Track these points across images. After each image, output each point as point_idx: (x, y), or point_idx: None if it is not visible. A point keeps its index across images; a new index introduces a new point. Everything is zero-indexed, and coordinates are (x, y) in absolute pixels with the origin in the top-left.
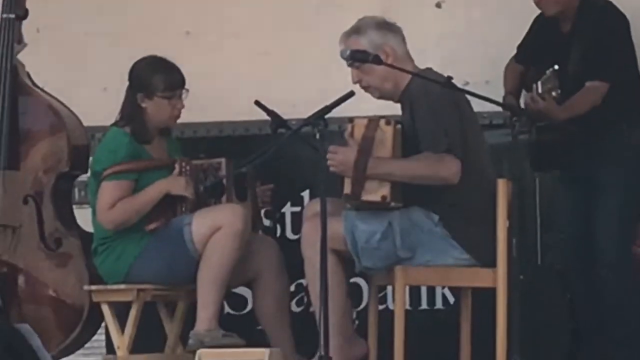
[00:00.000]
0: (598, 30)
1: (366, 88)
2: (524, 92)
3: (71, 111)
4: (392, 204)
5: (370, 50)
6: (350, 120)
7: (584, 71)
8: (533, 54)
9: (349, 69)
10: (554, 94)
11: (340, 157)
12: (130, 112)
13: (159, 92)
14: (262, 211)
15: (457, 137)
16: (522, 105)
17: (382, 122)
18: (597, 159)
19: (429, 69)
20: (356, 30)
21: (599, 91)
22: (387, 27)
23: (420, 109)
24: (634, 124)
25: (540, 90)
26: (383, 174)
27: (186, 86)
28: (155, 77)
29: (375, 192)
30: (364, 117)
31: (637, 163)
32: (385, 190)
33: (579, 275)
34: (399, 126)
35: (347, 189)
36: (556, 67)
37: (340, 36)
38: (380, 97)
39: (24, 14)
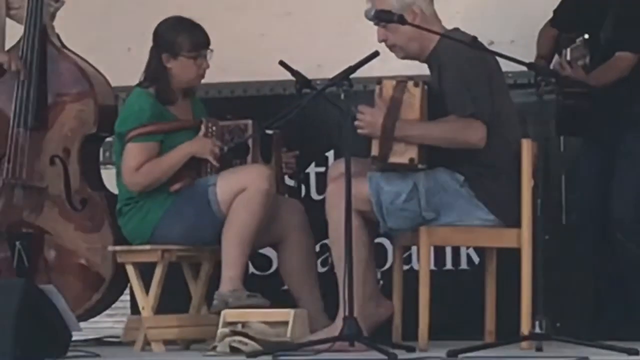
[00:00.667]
0: (634, 1)
1: (391, 47)
2: (555, 57)
3: (99, 72)
4: (420, 166)
5: (397, 9)
6: (379, 81)
7: (615, 40)
8: (569, 19)
9: (374, 28)
10: (581, 62)
11: (369, 119)
12: (155, 73)
13: (184, 51)
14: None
15: (484, 101)
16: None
17: (411, 83)
18: (621, 126)
19: (456, 29)
20: None
21: (628, 62)
22: None
23: (448, 72)
24: None
25: (569, 58)
26: (411, 136)
27: (210, 46)
28: (180, 37)
29: (402, 154)
30: (392, 78)
31: None
32: (412, 152)
33: (599, 236)
34: (426, 87)
35: (375, 150)
36: (586, 36)
37: None
38: (405, 57)
39: None
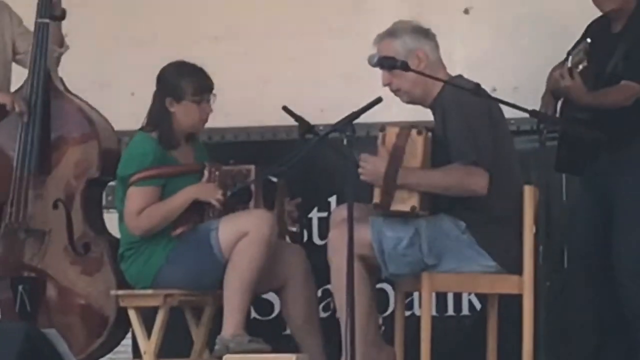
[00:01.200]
0: None
1: (396, 91)
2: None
3: (102, 116)
4: (421, 213)
5: (402, 54)
6: (382, 128)
7: (622, 69)
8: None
9: (377, 74)
10: (580, 66)
11: (370, 167)
12: (158, 117)
13: (188, 95)
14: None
15: (487, 149)
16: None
17: (414, 131)
18: (621, 167)
19: (460, 76)
20: (391, 33)
21: (631, 91)
22: (421, 32)
23: (452, 119)
24: None
25: (569, 64)
26: (413, 184)
27: (214, 91)
28: (185, 81)
29: (404, 202)
30: (395, 125)
31: None
32: (414, 200)
33: (600, 280)
34: (430, 134)
35: (377, 198)
36: (589, 40)
37: (375, 38)
38: (409, 102)
39: (62, 15)
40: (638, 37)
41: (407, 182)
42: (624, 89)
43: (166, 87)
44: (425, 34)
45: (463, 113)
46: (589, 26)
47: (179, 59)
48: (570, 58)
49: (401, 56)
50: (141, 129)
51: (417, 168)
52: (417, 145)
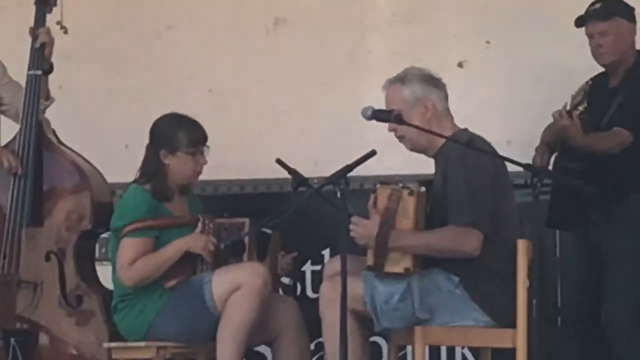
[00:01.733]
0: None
1: (400, 138)
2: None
3: (95, 168)
4: (414, 274)
5: (410, 102)
6: (373, 190)
7: (618, 122)
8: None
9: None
10: (580, 108)
11: (362, 231)
12: (152, 169)
13: (183, 147)
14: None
15: (485, 209)
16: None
17: (405, 192)
18: (609, 227)
19: (465, 130)
20: (401, 78)
21: (622, 138)
22: (431, 81)
23: (453, 175)
24: None
25: (568, 107)
26: (405, 247)
27: (208, 143)
28: (179, 133)
29: (398, 264)
30: (387, 184)
31: None
32: (407, 262)
33: (591, 336)
34: (422, 191)
35: (370, 260)
36: (590, 82)
37: (384, 83)
38: (413, 150)
39: (50, 69)
40: (633, 89)
41: (399, 245)
42: (616, 135)
43: (160, 139)
44: (435, 83)
45: (464, 170)
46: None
47: (172, 111)
48: (570, 99)
49: (408, 104)
50: (134, 181)
51: (410, 230)
52: (408, 206)
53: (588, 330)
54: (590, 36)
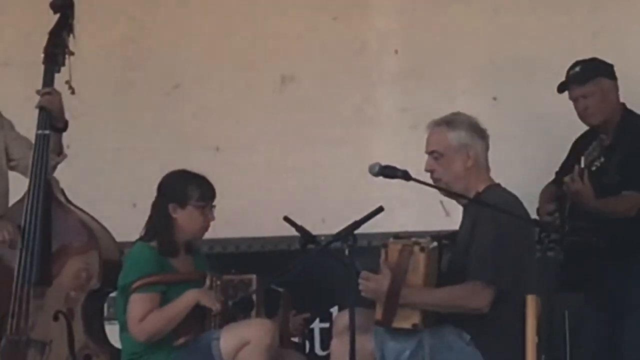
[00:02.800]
0: (638, 144)
1: (436, 180)
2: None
3: (104, 227)
4: (423, 329)
5: (454, 148)
6: (384, 244)
7: (620, 181)
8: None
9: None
10: (597, 163)
11: (373, 286)
12: (159, 224)
13: (193, 201)
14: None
15: (506, 271)
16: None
17: (416, 248)
18: (624, 278)
19: (498, 185)
20: (448, 122)
21: (635, 200)
22: (479, 130)
23: (482, 232)
24: None
25: (583, 165)
26: (415, 303)
27: (215, 201)
28: (190, 187)
29: (406, 319)
30: (398, 240)
31: None
32: (416, 317)
33: None
34: (433, 247)
35: (378, 315)
36: (603, 136)
37: (429, 123)
38: (447, 195)
39: (64, 127)
40: (630, 151)
41: (409, 301)
42: (627, 199)
43: (170, 192)
44: (481, 133)
45: (495, 231)
46: (574, 146)
47: (180, 168)
48: (583, 159)
49: (452, 148)
50: (140, 238)
51: (420, 286)
52: (419, 262)
53: None
54: (574, 100)
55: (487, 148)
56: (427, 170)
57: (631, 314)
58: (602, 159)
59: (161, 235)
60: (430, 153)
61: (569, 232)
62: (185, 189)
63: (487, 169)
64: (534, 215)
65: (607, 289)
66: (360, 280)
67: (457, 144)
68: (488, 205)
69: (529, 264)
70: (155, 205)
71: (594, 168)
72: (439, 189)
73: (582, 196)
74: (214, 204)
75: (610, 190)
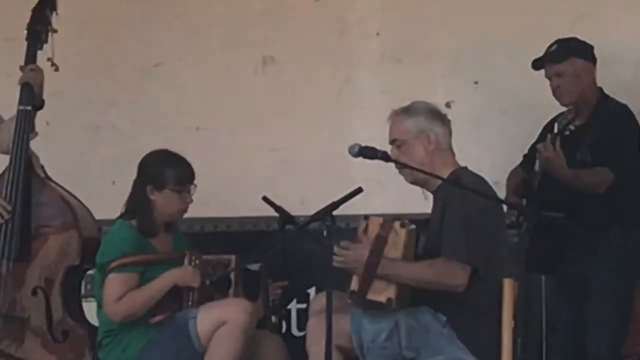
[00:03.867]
0: (613, 127)
1: (401, 170)
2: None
3: (83, 205)
4: (396, 307)
5: (414, 133)
6: (366, 217)
7: (592, 160)
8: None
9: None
10: (572, 127)
11: (352, 254)
12: (138, 204)
13: (170, 184)
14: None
15: (479, 249)
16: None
17: (397, 224)
18: (590, 261)
19: (465, 168)
20: (407, 110)
21: (605, 177)
22: (437, 115)
23: (452, 213)
24: (630, 227)
25: (556, 130)
26: (393, 275)
27: (195, 181)
28: (167, 170)
29: (381, 293)
30: (379, 216)
31: (630, 267)
32: (391, 292)
33: None
34: (412, 227)
35: (354, 285)
36: (571, 107)
37: (390, 112)
38: (412, 182)
39: (41, 105)
40: (603, 132)
41: (387, 273)
42: (598, 173)
43: (148, 175)
44: (441, 118)
45: (464, 210)
46: (544, 128)
47: (161, 148)
48: (556, 124)
49: (411, 135)
50: (120, 216)
51: (398, 260)
52: (399, 237)
53: None
54: (548, 78)
55: (449, 133)
56: (392, 161)
57: (595, 298)
58: (577, 122)
59: (140, 216)
60: (392, 142)
61: (537, 210)
62: (162, 172)
63: (452, 153)
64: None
65: (573, 273)
66: (337, 250)
67: (417, 130)
68: (458, 185)
69: (500, 244)
70: (134, 185)
71: (567, 132)
72: (418, 170)
73: (554, 164)
74: (194, 183)
75: (580, 153)
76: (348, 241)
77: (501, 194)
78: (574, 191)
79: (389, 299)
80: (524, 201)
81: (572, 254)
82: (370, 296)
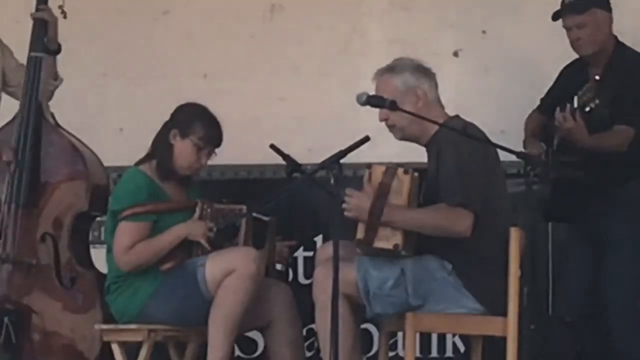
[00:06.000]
0: (630, 78)
1: (391, 127)
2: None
3: (92, 152)
4: (403, 252)
5: (401, 91)
6: (369, 165)
7: (610, 115)
8: (558, 103)
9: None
10: (592, 105)
11: (356, 202)
12: (159, 145)
13: (193, 137)
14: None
15: (476, 192)
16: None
17: (400, 170)
18: (609, 213)
19: (457, 117)
20: (391, 69)
21: (626, 135)
22: (422, 70)
23: (446, 159)
24: None
25: (575, 105)
26: (397, 222)
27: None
28: (197, 123)
29: (387, 240)
30: (382, 164)
31: None
32: (397, 238)
33: (588, 327)
34: (416, 174)
35: (360, 234)
36: (597, 77)
37: (375, 73)
38: (403, 139)
39: (57, 49)
40: (621, 84)
41: (391, 220)
42: (619, 134)
43: (178, 119)
44: (426, 72)
45: (457, 154)
46: (561, 73)
47: (197, 103)
48: (575, 99)
49: (399, 93)
50: (137, 162)
51: (403, 206)
52: (403, 184)
53: (584, 321)
54: (568, 29)
55: (435, 85)
56: (381, 120)
57: (614, 250)
58: (597, 101)
59: (159, 157)
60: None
61: (555, 165)
62: (192, 122)
63: (440, 105)
64: (520, 149)
65: (591, 224)
66: (345, 198)
67: (404, 87)
68: (449, 127)
69: (497, 187)
70: (163, 126)
71: (587, 109)
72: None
73: (575, 135)
74: (215, 151)
75: (601, 124)
76: (352, 189)
77: (508, 143)
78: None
79: (395, 245)
80: (544, 146)
81: (592, 205)
82: (377, 244)
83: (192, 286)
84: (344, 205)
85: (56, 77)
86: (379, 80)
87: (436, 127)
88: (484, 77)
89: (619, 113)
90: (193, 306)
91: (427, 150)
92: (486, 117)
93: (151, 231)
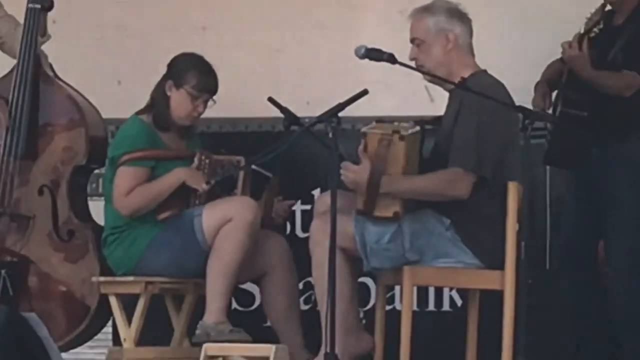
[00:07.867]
0: None
1: (420, 67)
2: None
3: (90, 104)
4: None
5: (433, 33)
6: (363, 134)
7: (622, 60)
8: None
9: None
10: (596, 29)
11: (352, 177)
12: (156, 97)
13: (187, 86)
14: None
15: (490, 158)
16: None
17: (396, 137)
18: (613, 163)
19: (485, 72)
20: (427, 9)
21: (631, 80)
22: (457, 14)
23: (465, 119)
24: None
25: (582, 30)
26: (395, 191)
27: (214, 97)
28: (191, 72)
29: (387, 208)
30: (377, 129)
31: None
32: (397, 206)
33: (585, 279)
34: (416, 130)
35: (359, 204)
36: (609, 6)
37: (411, 11)
38: (430, 81)
39: (50, 5)
40: (635, 34)
41: (389, 190)
42: (626, 77)
43: (172, 70)
44: (461, 17)
45: (478, 117)
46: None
47: (191, 52)
48: (583, 25)
49: (430, 33)
50: (138, 112)
51: (400, 175)
52: (398, 151)
53: (582, 274)
54: None
55: (470, 32)
56: (411, 59)
57: (614, 202)
58: (601, 25)
59: (156, 108)
60: (412, 41)
61: (554, 122)
62: (186, 72)
63: (471, 54)
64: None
65: (591, 173)
66: (341, 171)
67: (436, 28)
68: (471, 91)
69: (511, 152)
70: (161, 79)
71: (592, 34)
72: (424, 73)
73: (577, 63)
74: (213, 99)
75: (612, 69)
76: (348, 162)
77: (525, 102)
78: (599, 92)
79: (395, 213)
80: (553, 94)
81: (593, 157)
82: (377, 213)
83: (189, 236)
84: (341, 177)
85: (44, 33)
86: (413, 19)
87: (463, 75)
88: (485, 32)
89: (631, 60)
90: (190, 256)
91: (450, 96)
92: (502, 74)
93: (150, 177)
